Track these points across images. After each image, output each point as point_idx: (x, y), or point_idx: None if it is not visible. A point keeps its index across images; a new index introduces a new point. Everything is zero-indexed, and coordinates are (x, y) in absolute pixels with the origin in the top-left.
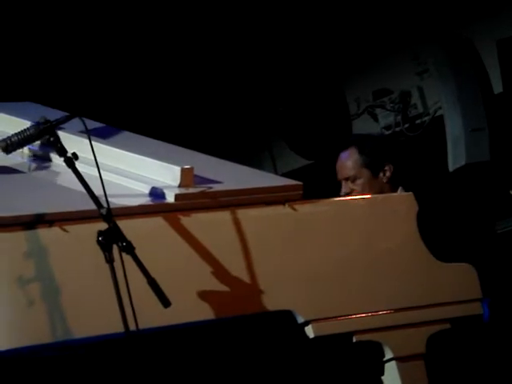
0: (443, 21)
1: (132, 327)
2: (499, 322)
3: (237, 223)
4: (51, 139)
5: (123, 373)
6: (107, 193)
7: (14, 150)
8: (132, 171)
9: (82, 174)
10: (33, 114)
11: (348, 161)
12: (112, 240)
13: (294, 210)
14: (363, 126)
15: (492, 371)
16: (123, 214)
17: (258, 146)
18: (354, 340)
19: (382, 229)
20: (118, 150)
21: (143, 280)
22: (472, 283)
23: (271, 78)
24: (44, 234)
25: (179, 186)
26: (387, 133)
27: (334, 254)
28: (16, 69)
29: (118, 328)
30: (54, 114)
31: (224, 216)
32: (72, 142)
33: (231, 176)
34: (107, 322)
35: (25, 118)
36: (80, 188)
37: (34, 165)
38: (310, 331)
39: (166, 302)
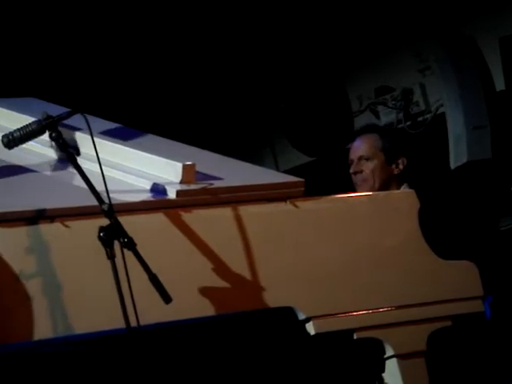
0: (445, 18)
1: (133, 323)
2: (500, 319)
3: (238, 220)
4: (53, 135)
5: (124, 369)
6: (109, 189)
7: (16, 145)
8: (134, 167)
9: (84, 170)
10: (35, 110)
11: (367, 140)
12: (113, 236)
13: (296, 206)
14: (365, 123)
15: (492, 369)
16: (125, 209)
17: (260, 142)
18: (355, 337)
19: (383, 226)
20: (119, 145)
21: (144, 276)
22: (473, 281)
23: (273, 75)
24: (45, 229)
25: (181, 182)
26: None
27: (336, 250)
28: (19, 64)
29: (119, 324)
30: (56, 110)
31: (225, 212)
32: (73, 137)
33: (233, 173)
34: (108, 318)
35: (27, 114)
36: (82, 184)
37: (35, 160)
38: (311, 328)
39: (167, 298)
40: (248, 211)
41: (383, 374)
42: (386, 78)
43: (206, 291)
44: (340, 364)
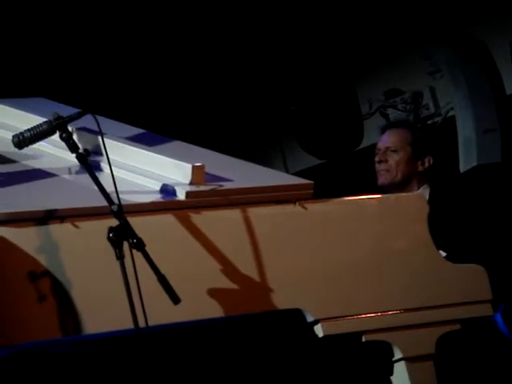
0: (456, 21)
1: (142, 324)
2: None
3: (247, 221)
4: (63, 135)
5: (133, 369)
6: (118, 189)
7: (27, 145)
8: (143, 168)
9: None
10: (45, 110)
11: (397, 133)
12: (122, 236)
13: (305, 208)
14: (375, 126)
15: (501, 373)
16: (134, 210)
17: (270, 144)
18: (364, 340)
19: (392, 229)
20: (129, 146)
21: (153, 277)
22: (482, 284)
23: (283, 77)
24: (55, 229)
25: (190, 183)
26: None
27: (344, 253)
28: (28, 65)
29: (128, 324)
30: (66, 110)
31: (234, 214)
32: (82, 138)
33: (242, 174)
34: (117, 319)
35: (37, 114)
36: (91, 184)
37: (46, 161)
38: (319, 330)
39: (175, 299)
40: (257, 213)
41: (391, 377)
42: (396, 80)
43: (214, 292)
44: (348, 367)
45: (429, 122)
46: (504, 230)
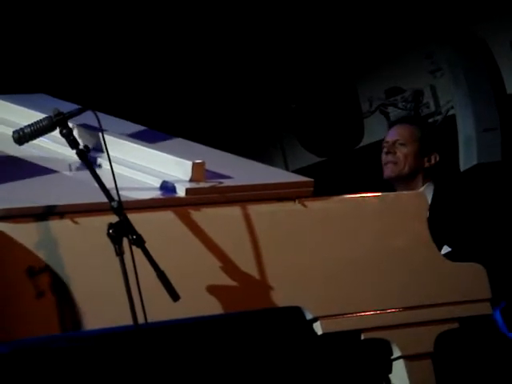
0: (457, 20)
1: (141, 320)
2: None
3: (247, 219)
4: (64, 131)
5: (132, 365)
6: (118, 186)
7: (27, 141)
8: (143, 165)
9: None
10: (45, 106)
11: (407, 128)
12: (122, 233)
13: (305, 206)
14: (375, 124)
15: (499, 372)
16: (134, 207)
17: (270, 142)
18: (363, 337)
19: (392, 227)
20: (129, 143)
21: (153, 273)
22: (481, 283)
23: (284, 75)
24: (55, 225)
25: (190, 180)
26: None
27: (344, 250)
28: (29, 61)
29: (128, 321)
30: (65, 107)
31: (234, 211)
32: (83, 134)
33: (242, 171)
34: (117, 315)
35: (37, 110)
36: (91, 180)
37: (46, 157)
38: (318, 328)
39: (175, 296)
40: (257, 210)
41: (390, 375)
42: (397, 79)
43: (213, 289)
44: (347, 364)
45: (429, 121)
46: (504, 228)
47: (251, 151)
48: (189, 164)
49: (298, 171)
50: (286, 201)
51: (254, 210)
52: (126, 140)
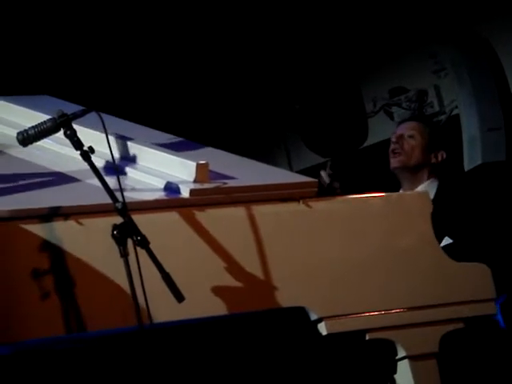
0: (461, 20)
1: (146, 321)
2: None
3: (251, 219)
4: (68, 132)
5: (137, 367)
6: (122, 187)
7: (31, 142)
8: (148, 166)
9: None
10: (49, 108)
11: (416, 124)
12: (127, 234)
13: (309, 207)
14: (379, 124)
15: (504, 372)
16: (138, 208)
17: (274, 142)
18: (367, 338)
19: (397, 227)
20: (134, 144)
21: (157, 274)
22: (486, 283)
23: (288, 76)
24: (59, 227)
25: (194, 181)
26: None
27: (348, 251)
28: (33, 62)
29: (132, 322)
30: (70, 108)
31: (238, 212)
32: (87, 135)
33: (246, 172)
34: (121, 316)
35: (41, 112)
36: (96, 182)
37: (50, 158)
38: (323, 328)
39: (179, 297)
40: (261, 211)
41: (395, 376)
42: (401, 79)
43: (218, 290)
44: (352, 365)
45: (433, 120)
46: (508, 227)
47: (255, 152)
48: (193, 165)
49: (302, 172)
50: (290, 201)
51: (258, 210)
52: (130, 141)
